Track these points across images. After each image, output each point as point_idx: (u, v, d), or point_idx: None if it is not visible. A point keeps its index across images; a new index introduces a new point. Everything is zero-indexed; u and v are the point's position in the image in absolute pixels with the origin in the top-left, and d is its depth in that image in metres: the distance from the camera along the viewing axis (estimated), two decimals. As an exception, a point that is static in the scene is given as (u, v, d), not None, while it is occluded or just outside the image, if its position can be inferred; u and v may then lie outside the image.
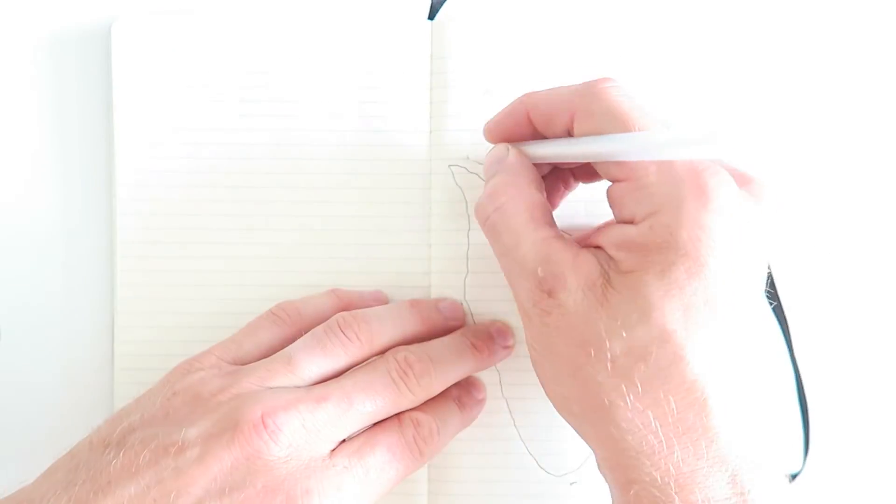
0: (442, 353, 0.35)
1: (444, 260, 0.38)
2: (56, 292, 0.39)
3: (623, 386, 0.27)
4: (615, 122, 0.28)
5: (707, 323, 0.27)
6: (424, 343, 0.35)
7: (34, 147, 0.39)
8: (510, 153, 0.32)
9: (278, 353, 0.33)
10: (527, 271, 0.29)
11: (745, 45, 0.38)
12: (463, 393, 0.37)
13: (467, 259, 0.38)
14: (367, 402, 0.31)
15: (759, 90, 0.39)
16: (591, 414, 0.28)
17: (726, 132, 0.26)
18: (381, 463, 0.31)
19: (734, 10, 0.39)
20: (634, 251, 0.27)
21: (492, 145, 0.34)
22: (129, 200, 0.38)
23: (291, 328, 0.35)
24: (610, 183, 0.30)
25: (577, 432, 0.31)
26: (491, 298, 0.38)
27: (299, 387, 0.31)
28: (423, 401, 0.34)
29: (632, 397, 0.27)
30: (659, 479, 0.27)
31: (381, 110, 0.38)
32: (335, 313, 0.34)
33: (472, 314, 0.38)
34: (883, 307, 0.39)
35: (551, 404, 0.31)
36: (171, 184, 0.38)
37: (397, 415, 0.33)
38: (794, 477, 0.39)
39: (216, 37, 0.38)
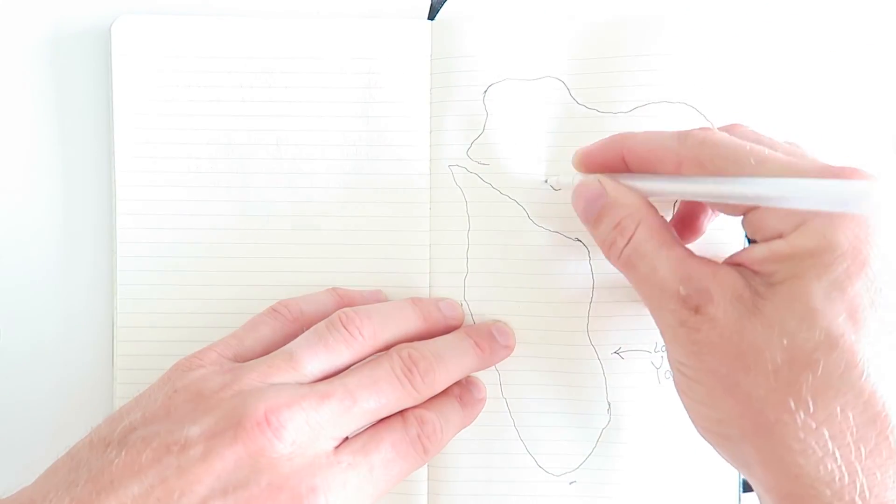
0: (445, 351, 0.35)
1: (444, 260, 0.38)
2: (56, 292, 0.39)
3: (790, 400, 0.25)
4: (736, 165, 0.28)
5: (877, 326, 0.25)
6: (427, 340, 0.35)
7: (34, 147, 0.39)
8: (608, 186, 0.32)
9: (280, 350, 0.32)
10: (668, 293, 0.29)
11: (745, 47, 0.39)
12: (464, 392, 0.37)
13: (467, 259, 0.38)
14: (371, 399, 0.31)
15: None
16: (753, 435, 0.26)
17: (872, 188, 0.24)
18: (385, 460, 0.31)
19: (735, 13, 0.39)
20: (786, 261, 0.26)
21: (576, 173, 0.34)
22: (129, 200, 0.38)
23: (293, 325, 0.35)
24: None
25: (735, 462, 0.29)
26: (491, 298, 0.38)
27: (302, 383, 0.31)
28: (426, 398, 0.34)
29: (802, 413, 0.25)
30: None
31: (381, 110, 0.38)
32: (336, 310, 0.34)
33: (471, 314, 0.38)
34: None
35: (699, 432, 0.29)
36: (171, 184, 0.38)
37: (401, 412, 0.33)
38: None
39: (216, 37, 0.38)
